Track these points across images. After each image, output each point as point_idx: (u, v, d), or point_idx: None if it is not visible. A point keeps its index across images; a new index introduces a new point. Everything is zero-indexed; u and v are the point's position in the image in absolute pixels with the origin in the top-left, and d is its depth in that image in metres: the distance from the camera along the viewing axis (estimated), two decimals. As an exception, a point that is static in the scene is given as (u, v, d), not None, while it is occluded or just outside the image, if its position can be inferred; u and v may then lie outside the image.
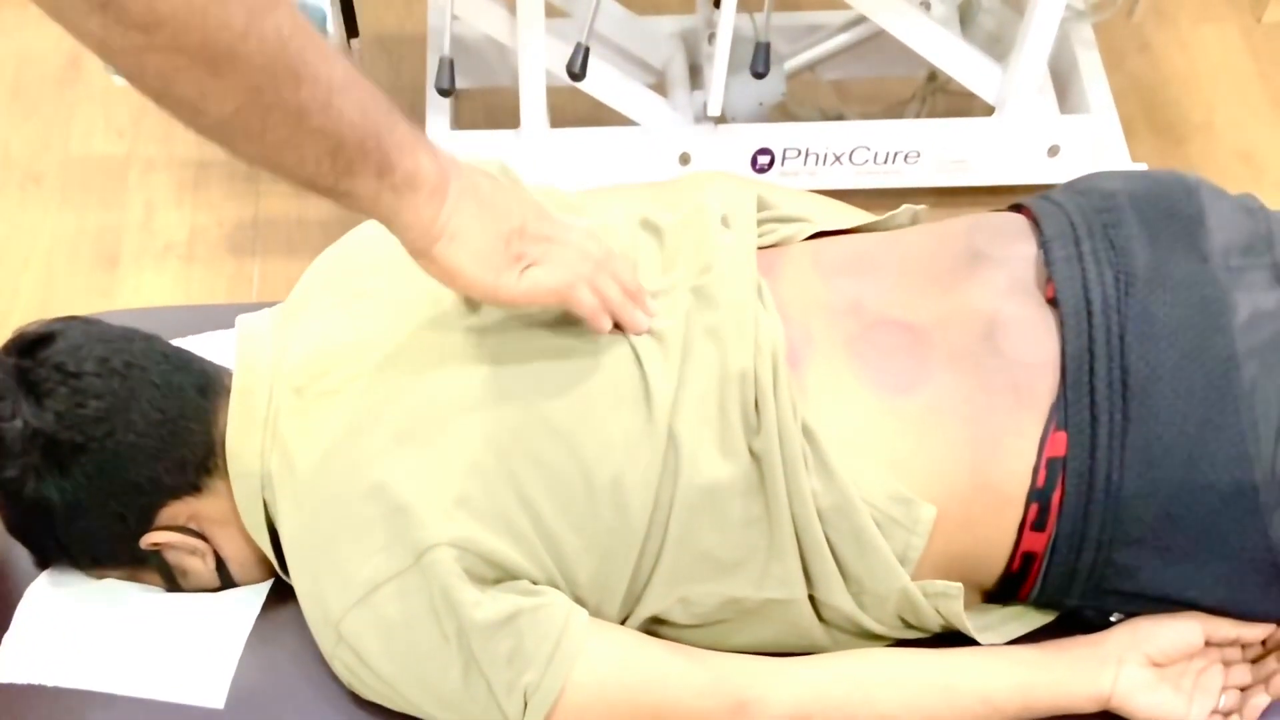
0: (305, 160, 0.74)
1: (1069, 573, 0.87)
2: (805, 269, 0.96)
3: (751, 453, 0.87)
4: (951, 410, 0.87)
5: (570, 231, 0.88)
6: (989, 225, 0.96)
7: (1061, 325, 0.87)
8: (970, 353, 0.88)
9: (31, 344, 0.94)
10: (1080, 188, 0.96)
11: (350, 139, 0.74)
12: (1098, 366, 0.84)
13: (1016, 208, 0.99)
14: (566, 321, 0.90)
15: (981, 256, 0.93)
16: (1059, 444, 0.85)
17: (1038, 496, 0.86)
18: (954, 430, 0.87)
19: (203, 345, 1.08)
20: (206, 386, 0.96)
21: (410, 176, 0.78)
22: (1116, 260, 0.87)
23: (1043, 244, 0.91)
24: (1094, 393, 0.84)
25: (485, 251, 0.81)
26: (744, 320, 0.89)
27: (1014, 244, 0.93)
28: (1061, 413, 0.85)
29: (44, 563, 1.02)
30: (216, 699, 0.94)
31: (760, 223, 1.01)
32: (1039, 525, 0.86)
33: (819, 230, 1.02)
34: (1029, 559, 0.88)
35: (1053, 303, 0.89)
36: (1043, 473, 0.85)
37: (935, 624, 0.91)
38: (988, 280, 0.91)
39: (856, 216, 1.06)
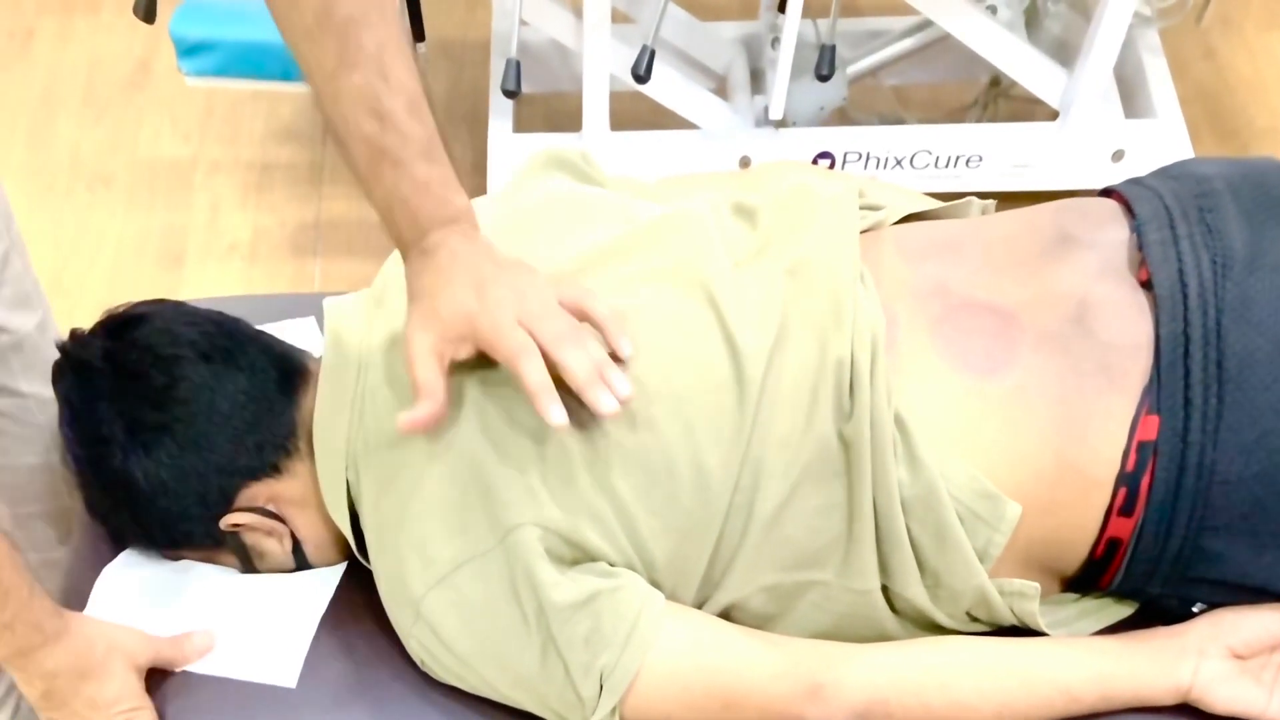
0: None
1: (1155, 559, 0.86)
2: (889, 253, 0.95)
3: (840, 438, 0.86)
4: (1039, 392, 0.86)
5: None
6: (1078, 209, 0.95)
7: (1156, 308, 0.86)
8: (1060, 334, 0.88)
9: (121, 325, 0.95)
10: (1174, 173, 0.94)
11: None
12: (1193, 350, 0.83)
13: (1106, 193, 0.98)
14: (655, 306, 0.90)
15: (1071, 240, 0.92)
16: (1150, 427, 0.84)
17: (1127, 480, 0.85)
18: (1041, 412, 0.86)
19: (278, 332, 1.09)
20: (290, 370, 0.97)
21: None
22: (1213, 244, 0.86)
23: (1136, 227, 0.90)
24: (1188, 376, 0.83)
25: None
26: (842, 306, 0.89)
27: (1105, 228, 0.92)
28: (1154, 396, 0.84)
29: (121, 543, 1.04)
30: (289, 678, 0.95)
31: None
32: (1126, 510, 0.85)
33: (901, 216, 1.01)
34: (1114, 545, 0.87)
35: (1146, 286, 0.88)
36: (1133, 456, 0.84)
37: (1008, 621, 0.90)
38: (1078, 263, 0.90)
39: (926, 202, 1.06)
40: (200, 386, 0.93)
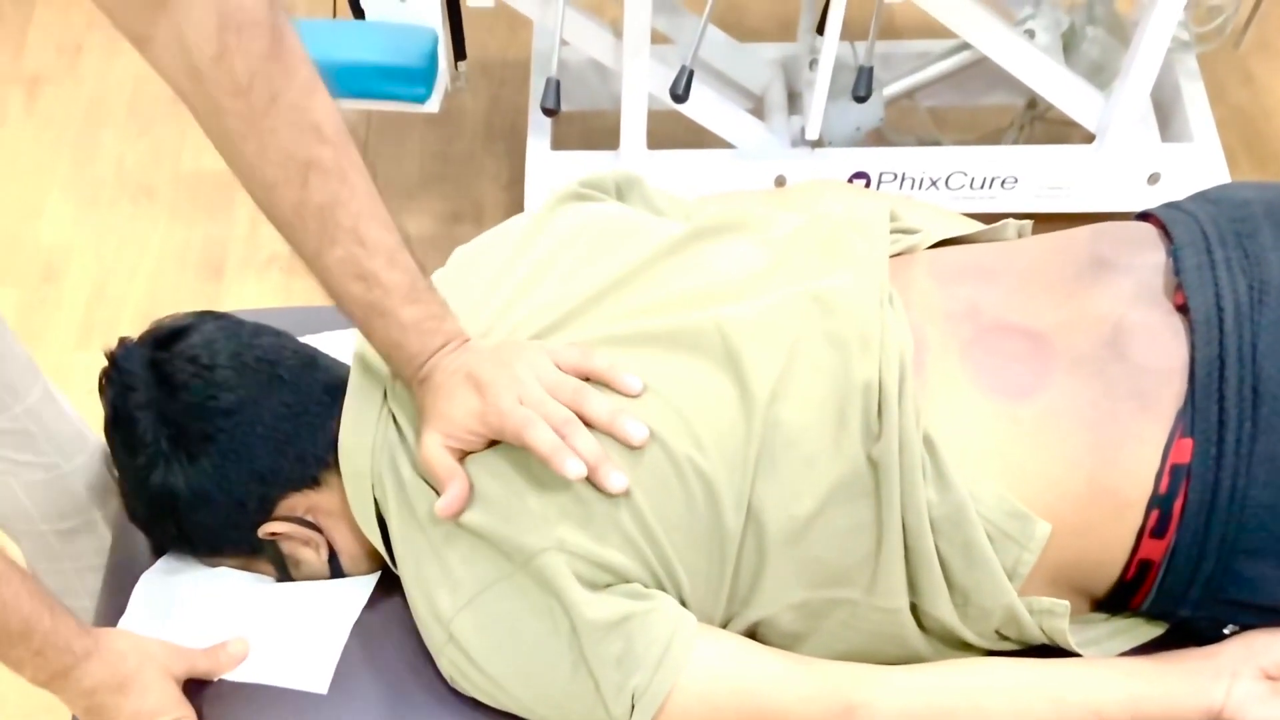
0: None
1: (1186, 581, 0.86)
2: (922, 276, 0.96)
3: (869, 459, 0.87)
4: (1072, 415, 0.86)
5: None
6: (1114, 233, 0.95)
7: (1191, 332, 0.86)
8: (1094, 358, 0.87)
9: (167, 336, 0.97)
10: (1212, 196, 0.94)
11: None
12: (1228, 374, 0.83)
13: (1143, 216, 0.98)
14: (662, 335, 0.91)
15: (1106, 264, 0.92)
16: (1184, 450, 0.84)
17: (1159, 503, 0.84)
18: (1074, 435, 0.86)
19: (319, 344, 1.11)
20: (331, 383, 0.99)
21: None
22: (1250, 269, 0.86)
23: (1172, 251, 0.90)
24: (1223, 400, 0.83)
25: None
26: (868, 328, 0.89)
27: (1141, 251, 0.92)
28: (1188, 419, 0.84)
29: (160, 549, 1.05)
30: (320, 684, 0.96)
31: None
32: (1159, 532, 0.85)
33: (936, 240, 1.02)
34: (1145, 567, 0.87)
35: (1182, 310, 0.88)
36: (1165, 479, 0.84)
37: (1037, 639, 0.90)
38: (1113, 287, 0.90)
39: (965, 225, 1.06)
40: (244, 398, 0.94)
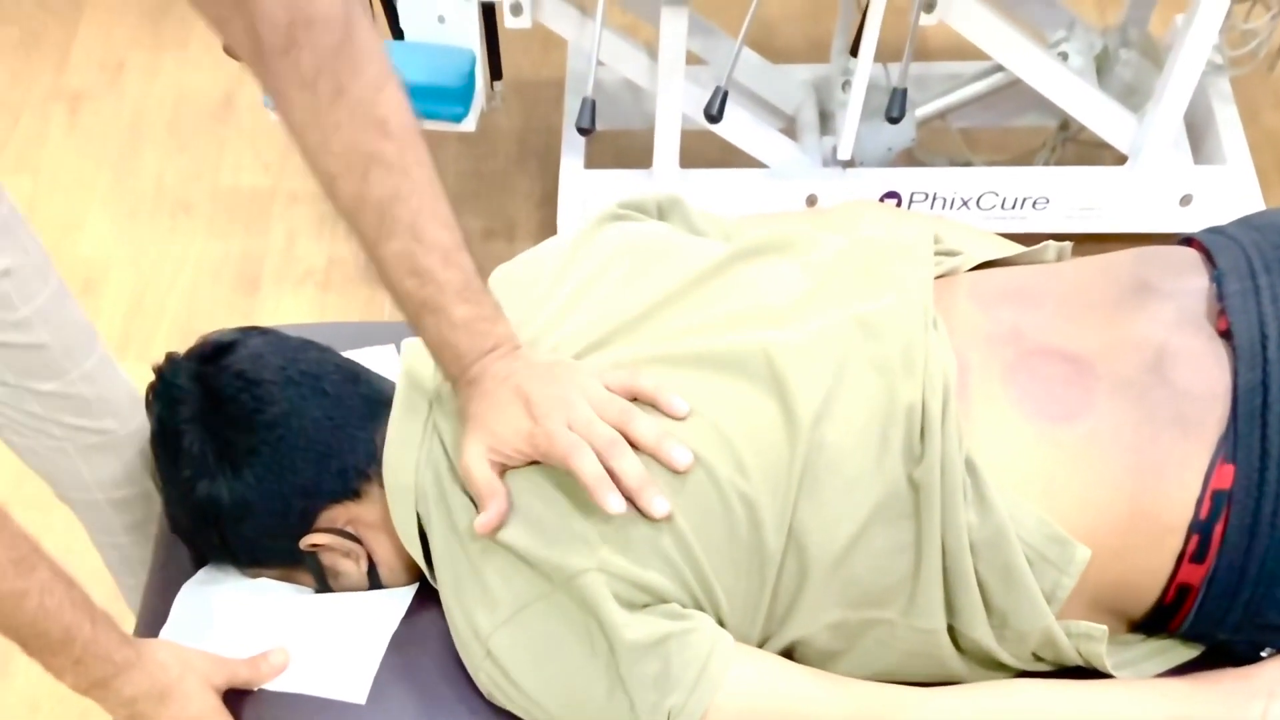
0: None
1: (1225, 606, 0.86)
2: (963, 299, 0.96)
3: (910, 481, 0.87)
4: (1113, 439, 0.86)
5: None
6: (1156, 258, 0.95)
7: (1234, 358, 0.86)
8: (1136, 382, 0.88)
9: (214, 351, 0.99)
10: (1256, 223, 0.94)
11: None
12: (1271, 400, 0.83)
13: (1186, 241, 0.98)
14: (707, 358, 0.92)
15: (1149, 288, 0.92)
16: (1225, 476, 0.84)
17: (1199, 528, 0.84)
18: (1115, 459, 0.86)
19: (359, 359, 1.12)
20: (373, 397, 1.00)
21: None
22: None
23: (1216, 277, 0.90)
24: (1266, 427, 0.83)
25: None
26: (913, 353, 0.89)
27: (1184, 277, 0.92)
28: (1230, 445, 0.84)
29: (201, 560, 1.07)
30: (359, 695, 0.97)
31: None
32: (1198, 557, 0.85)
33: (977, 263, 1.02)
34: (1184, 591, 0.87)
35: (1225, 335, 0.88)
36: (1206, 504, 0.84)
37: (1074, 662, 0.90)
38: (1156, 311, 0.90)
39: (1005, 247, 1.06)
40: (289, 412, 0.96)
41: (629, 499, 0.86)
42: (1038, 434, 0.88)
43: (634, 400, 0.90)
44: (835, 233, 1.02)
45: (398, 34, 1.75)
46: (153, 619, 1.05)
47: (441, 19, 1.70)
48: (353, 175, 0.84)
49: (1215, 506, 0.84)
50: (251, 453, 0.95)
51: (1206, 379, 0.86)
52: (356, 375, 1.01)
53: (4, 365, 1.07)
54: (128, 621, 1.15)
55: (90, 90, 2.31)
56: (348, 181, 0.85)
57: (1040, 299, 0.94)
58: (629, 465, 0.86)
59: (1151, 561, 0.86)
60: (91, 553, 1.32)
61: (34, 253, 1.06)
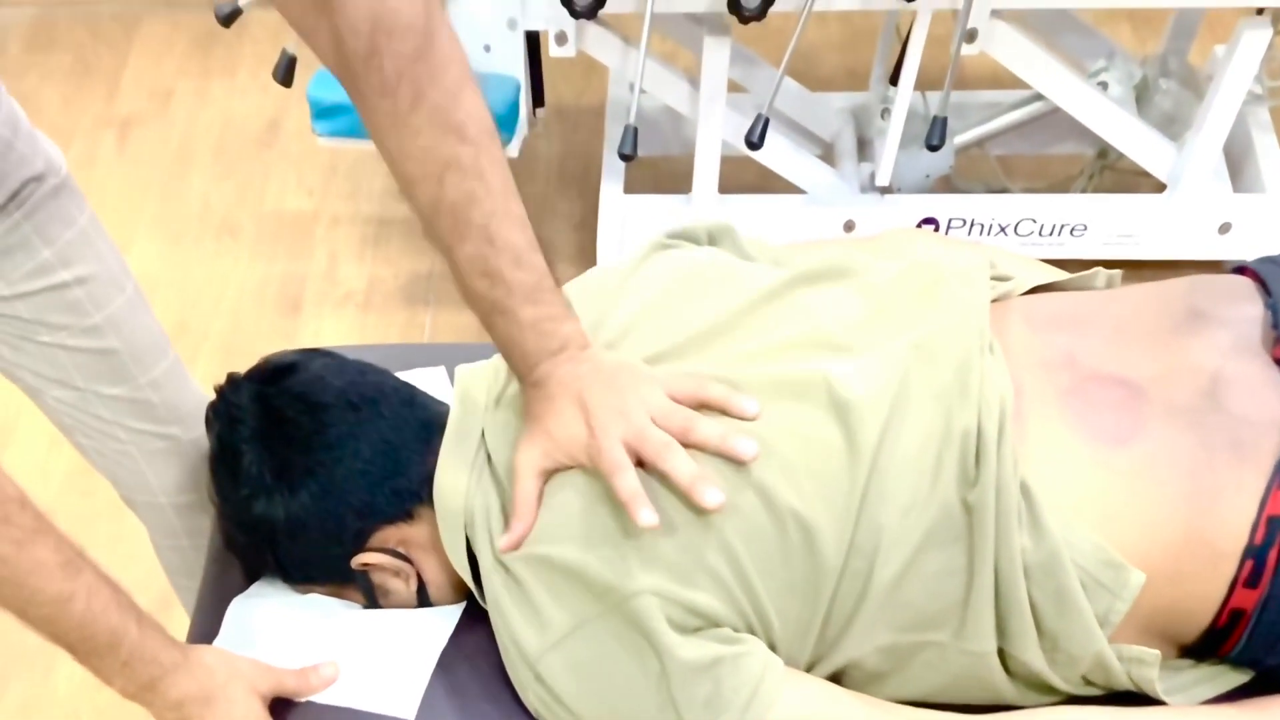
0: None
1: (1278, 631, 0.86)
2: (1017, 324, 0.96)
3: (964, 504, 0.87)
4: (1168, 463, 0.87)
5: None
6: (1211, 286, 0.96)
7: None
8: (1191, 408, 0.88)
9: (274, 373, 1.00)
10: None
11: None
12: None
13: (1240, 270, 0.98)
14: (767, 381, 0.92)
15: (1203, 316, 0.92)
16: None
17: (1254, 553, 0.84)
18: (1170, 483, 0.86)
19: (411, 380, 1.13)
20: (427, 420, 1.01)
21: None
22: None
23: (1270, 305, 0.91)
24: None
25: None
26: (969, 377, 0.90)
27: (1238, 304, 0.93)
28: None
29: (253, 576, 1.08)
30: (409, 710, 0.97)
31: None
32: (1252, 582, 0.85)
33: (1029, 288, 1.02)
34: (1237, 616, 0.87)
35: (1279, 363, 0.88)
36: (1261, 529, 0.84)
37: (1124, 687, 0.90)
38: (1210, 338, 0.91)
39: (1054, 273, 1.07)
40: (347, 435, 0.97)
41: (685, 494, 0.86)
42: (1093, 458, 0.88)
43: (701, 408, 0.91)
44: (888, 258, 1.03)
45: (443, 62, 1.78)
46: (204, 633, 1.06)
47: (488, 48, 1.72)
48: (429, 180, 0.86)
49: (1270, 532, 0.84)
50: (309, 473, 0.97)
51: (1262, 405, 0.86)
52: (412, 398, 1.03)
53: (74, 369, 1.09)
54: (182, 623, 1.17)
55: (140, 116, 2.36)
56: (425, 186, 0.86)
57: (1094, 325, 0.95)
58: (680, 464, 0.86)
59: (1205, 586, 0.86)
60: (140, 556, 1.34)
61: (110, 261, 1.09)
